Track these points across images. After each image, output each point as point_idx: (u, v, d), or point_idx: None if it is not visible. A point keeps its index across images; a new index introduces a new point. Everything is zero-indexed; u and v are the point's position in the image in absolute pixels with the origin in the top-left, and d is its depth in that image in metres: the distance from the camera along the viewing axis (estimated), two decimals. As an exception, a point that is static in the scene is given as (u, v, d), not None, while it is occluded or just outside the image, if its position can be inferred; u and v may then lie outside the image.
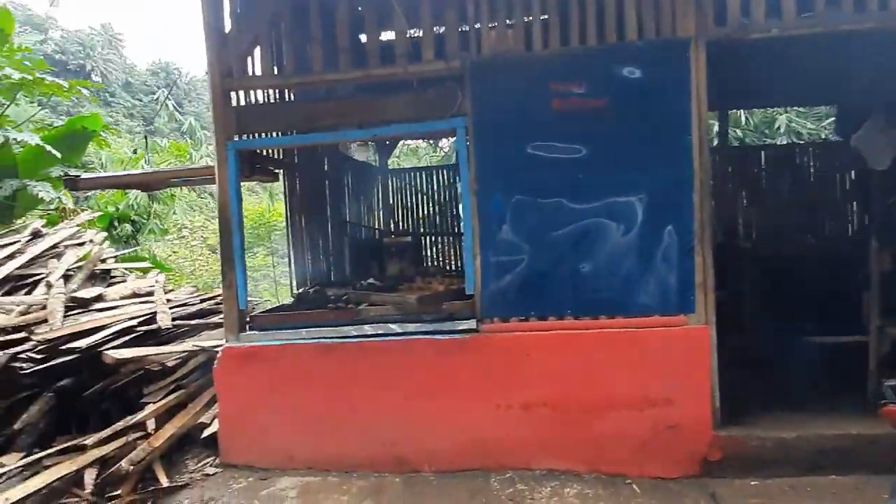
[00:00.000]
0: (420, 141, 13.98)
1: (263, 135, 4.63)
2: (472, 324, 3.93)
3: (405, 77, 3.99)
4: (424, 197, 7.32)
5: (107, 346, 4.66)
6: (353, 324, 4.04)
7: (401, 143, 10.57)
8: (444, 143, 14.73)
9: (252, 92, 4.56)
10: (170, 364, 4.82)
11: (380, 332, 4.01)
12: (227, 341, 4.16)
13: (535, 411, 3.85)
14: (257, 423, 4.11)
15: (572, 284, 3.84)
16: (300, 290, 4.84)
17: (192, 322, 5.71)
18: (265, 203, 19.11)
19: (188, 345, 5.05)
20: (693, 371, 3.73)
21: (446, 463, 3.93)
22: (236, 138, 4.13)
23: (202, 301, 6.51)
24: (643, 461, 3.76)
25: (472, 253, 3.92)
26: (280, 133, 4.77)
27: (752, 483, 3.64)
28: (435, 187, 7.39)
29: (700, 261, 3.74)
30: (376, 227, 7.03)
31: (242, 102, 4.44)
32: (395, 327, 3.99)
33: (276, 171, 5.09)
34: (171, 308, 5.76)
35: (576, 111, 3.77)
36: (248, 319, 4.21)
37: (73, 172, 7.19)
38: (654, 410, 3.75)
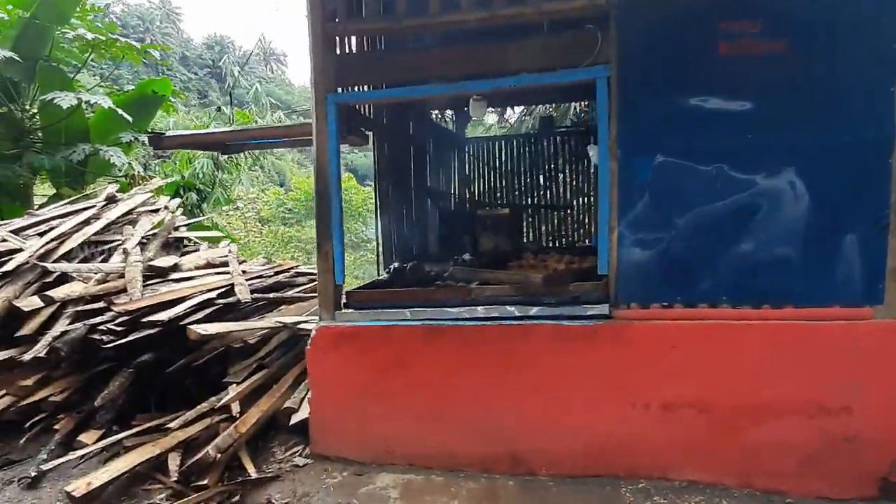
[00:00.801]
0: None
1: (358, 89, 4.13)
2: (604, 309, 3.38)
3: (538, 18, 3.39)
4: (523, 167, 6.69)
5: (188, 320, 4.33)
6: (465, 305, 3.54)
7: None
8: (510, 113, 13.96)
9: (346, 40, 4.05)
10: (251, 341, 4.46)
11: (494, 314, 3.51)
12: (321, 319, 3.74)
13: (678, 413, 3.29)
14: (353, 412, 3.69)
15: (730, 267, 3.22)
16: (395, 266, 4.37)
17: (270, 295, 5.36)
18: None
19: (271, 321, 4.68)
20: (879, 374, 3.09)
21: (568, 466, 3.44)
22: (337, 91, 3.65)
23: (276, 273, 6.17)
24: (808, 477, 3.17)
25: (608, 227, 3.34)
26: (373, 87, 4.26)
27: (950, 513, 3.02)
28: (536, 156, 6.75)
29: (894, 242, 3.07)
30: (466, 197, 6.48)
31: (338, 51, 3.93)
32: (513, 310, 3.47)
33: (368, 132, 4.60)
34: (247, 280, 5.42)
35: (748, 56, 3.11)
36: (343, 296, 3.78)
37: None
38: (827, 419, 3.13)
